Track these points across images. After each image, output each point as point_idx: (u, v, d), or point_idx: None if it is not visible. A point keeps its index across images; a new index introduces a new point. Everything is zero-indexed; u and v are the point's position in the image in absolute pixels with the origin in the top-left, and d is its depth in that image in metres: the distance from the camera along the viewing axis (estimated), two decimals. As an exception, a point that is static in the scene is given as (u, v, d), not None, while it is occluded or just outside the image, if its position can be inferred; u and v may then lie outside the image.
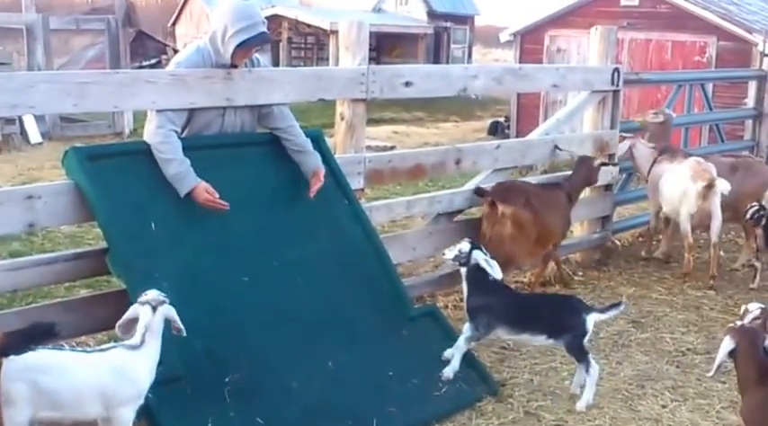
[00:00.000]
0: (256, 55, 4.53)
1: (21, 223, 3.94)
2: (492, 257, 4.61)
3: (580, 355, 4.35)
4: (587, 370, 4.31)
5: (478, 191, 5.76)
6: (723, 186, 6.25)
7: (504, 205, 5.53)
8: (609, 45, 6.78)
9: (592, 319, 4.35)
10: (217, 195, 4.10)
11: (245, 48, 4.25)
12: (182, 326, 3.39)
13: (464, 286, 4.54)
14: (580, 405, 4.30)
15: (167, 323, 3.39)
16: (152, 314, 3.33)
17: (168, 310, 3.37)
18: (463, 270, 4.51)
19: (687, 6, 15.46)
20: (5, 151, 13.62)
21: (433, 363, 4.42)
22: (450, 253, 4.51)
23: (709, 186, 6.24)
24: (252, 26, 4.18)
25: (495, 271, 4.47)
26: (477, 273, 4.46)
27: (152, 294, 3.39)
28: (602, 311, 4.44)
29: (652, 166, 6.91)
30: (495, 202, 5.55)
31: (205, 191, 4.09)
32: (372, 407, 3.98)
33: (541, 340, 4.44)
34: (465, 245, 4.48)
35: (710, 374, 3.88)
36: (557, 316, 4.40)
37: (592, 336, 4.38)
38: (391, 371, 4.20)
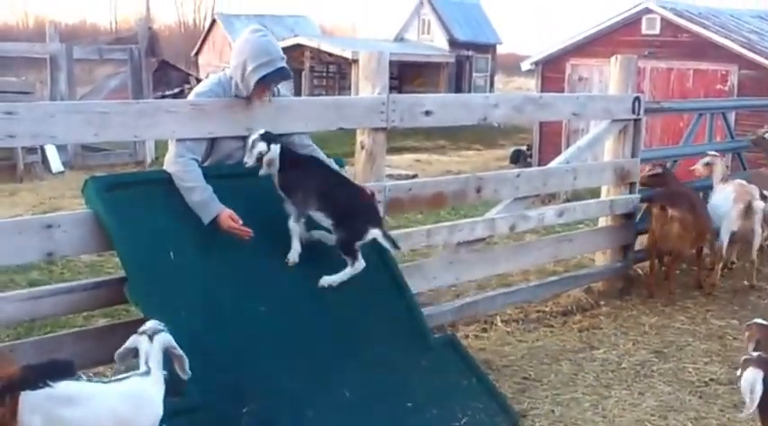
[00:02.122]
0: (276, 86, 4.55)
1: (39, 252, 3.94)
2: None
3: (347, 252, 4.29)
4: (352, 265, 4.27)
5: (645, 199, 6.93)
6: (757, 205, 6.99)
7: (673, 209, 6.55)
8: (629, 74, 6.75)
9: (373, 233, 4.32)
10: (240, 222, 4.10)
11: (264, 83, 4.27)
12: (181, 352, 3.32)
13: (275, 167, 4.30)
14: (323, 281, 4.26)
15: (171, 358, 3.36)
16: (149, 343, 3.30)
17: (165, 338, 3.32)
18: (267, 157, 4.20)
19: (709, 35, 15.44)
20: (27, 180, 13.76)
21: (453, 393, 4.37)
22: (251, 158, 4.17)
23: (749, 206, 6.94)
24: (271, 62, 4.20)
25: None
26: (287, 154, 4.29)
27: (149, 324, 3.36)
28: (385, 235, 4.40)
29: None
30: (665, 207, 6.53)
31: (229, 218, 4.09)
32: (391, 439, 3.94)
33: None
34: (257, 137, 4.17)
35: (747, 413, 3.75)
36: (348, 209, 4.31)
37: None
38: (410, 401, 4.16)
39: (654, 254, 6.89)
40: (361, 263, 4.28)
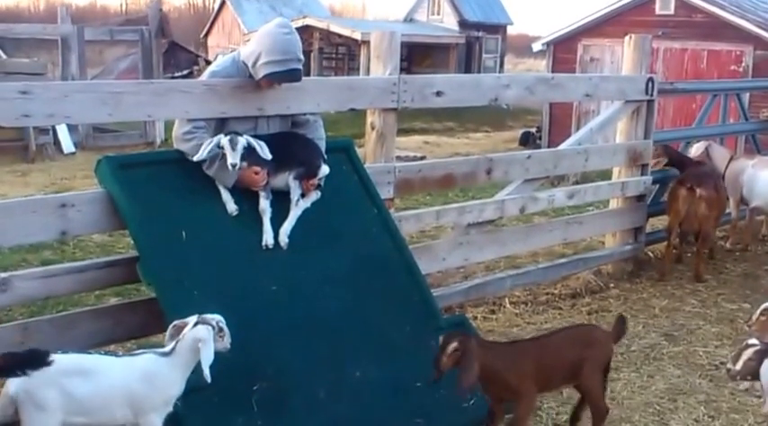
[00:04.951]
0: None
1: (54, 231, 3.97)
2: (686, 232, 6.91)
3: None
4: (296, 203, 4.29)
5: (680, 181, 6.93)
6: None
7: (701, 189, 6.65)
8: (643, 54, 6.72)
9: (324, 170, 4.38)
10: (262, 173, 4.15)
11: (272, 80, 4.26)
12: (206, 353, 3.25)
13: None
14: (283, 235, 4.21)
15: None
16: (191, 327, 3.31)
17: (202, 331, 3.29)
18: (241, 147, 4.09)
19: (724, 15, 15.33)
20: (39, 161, 13.83)
21: (463, 374, 4.38)
22: (236, 156, 4.00)
23: None
24: (284, 61, 4.16)
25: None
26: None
27: (211, 316, 3.36)
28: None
29: (729, 164, 7.65)
30: (693, 187, 6.64)
31: (252, 174, 4.13)
32: (399, 418, 3.97)
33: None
34: (231, 138, 4.03)
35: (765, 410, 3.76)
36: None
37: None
38: (419, 382, 4.16)
39: (674, 235, 6.92)
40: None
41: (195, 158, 4.08)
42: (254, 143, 4.10)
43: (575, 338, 3.98)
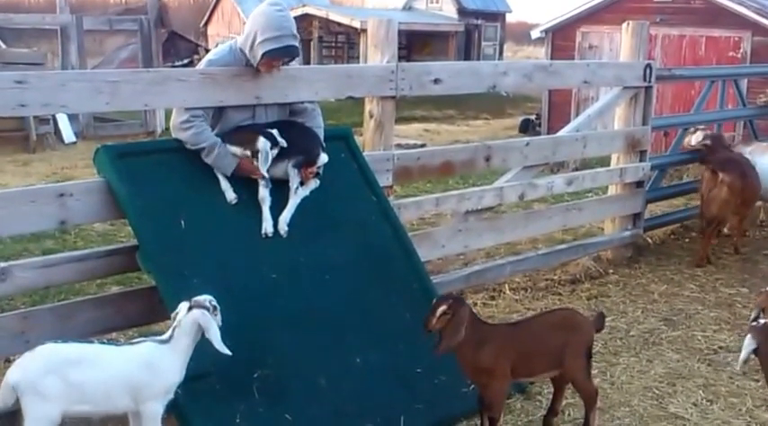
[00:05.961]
0: None
1: (53, 220, 3.98)
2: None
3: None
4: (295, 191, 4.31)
5: (702, 160, 7.04)
6: None
7: (724, 174, 6.62)
8: (641, 40, 6.71)
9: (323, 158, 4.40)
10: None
11: (270, 57, 4.25)
12: (211, 335, 3.32)
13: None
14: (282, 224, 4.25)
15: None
16: (186, 313, 3.34)
17: (200, 315, 3.32)
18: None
19: (722, 1, 15.25)
20: (40, 150, 13.81)
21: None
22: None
23: None
24: (280, 38, 4.17)
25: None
26: None
27: (203, 297, 3.40)
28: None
29: None
30: (716, 171, 6.62)
31: (249, 163, 4.17)
32: (400, 404, 3.99)
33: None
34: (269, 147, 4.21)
35: (737, 369, 3.84)
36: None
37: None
38: (419, 368, 4.20)
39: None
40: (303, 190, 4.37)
41: (263, 173, 4.17)
42: (277, 136, 4.22)
43: (556, 322, 3.97)
